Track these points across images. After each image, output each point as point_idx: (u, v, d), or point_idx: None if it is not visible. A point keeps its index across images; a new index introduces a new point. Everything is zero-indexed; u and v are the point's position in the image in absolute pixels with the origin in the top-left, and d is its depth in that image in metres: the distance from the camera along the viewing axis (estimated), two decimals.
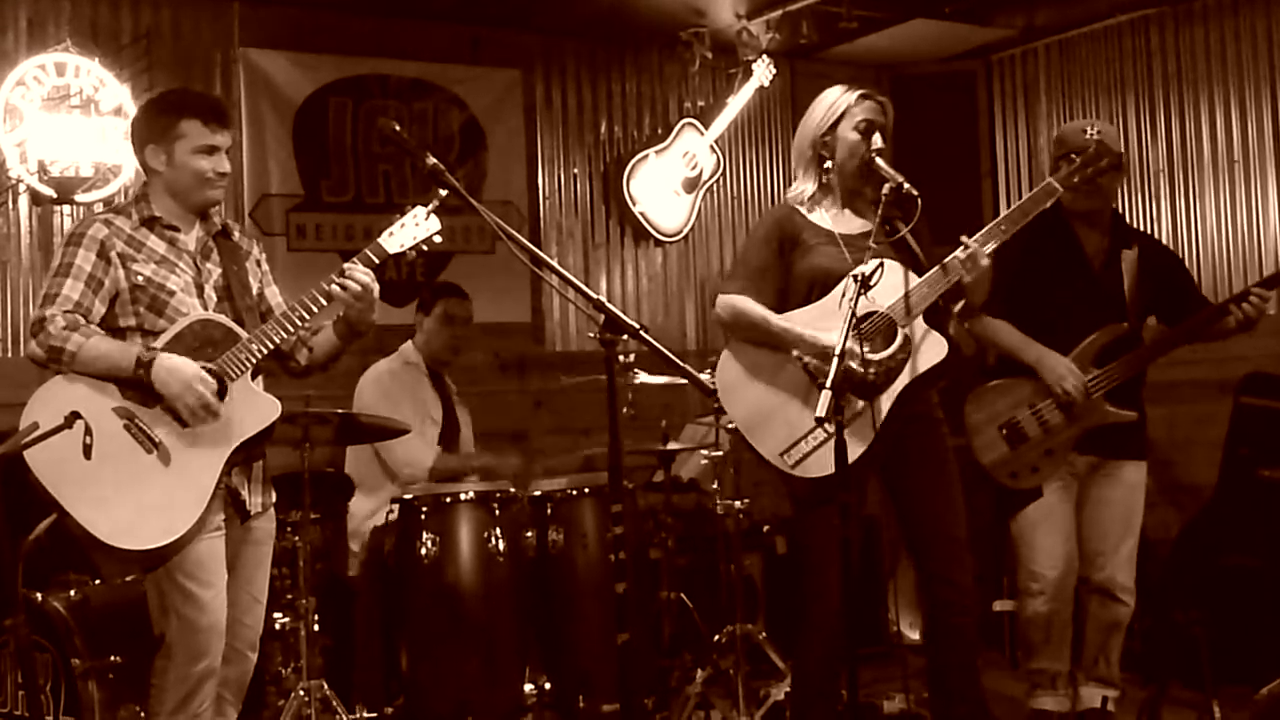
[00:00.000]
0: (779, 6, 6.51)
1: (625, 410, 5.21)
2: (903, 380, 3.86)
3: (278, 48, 6.19)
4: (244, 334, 3.68)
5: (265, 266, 4.00)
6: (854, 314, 3.53)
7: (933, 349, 3.91)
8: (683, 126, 7.08)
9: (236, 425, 3.62)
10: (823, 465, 3.83)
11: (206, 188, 3.74)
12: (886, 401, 3.84)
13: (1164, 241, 6.55)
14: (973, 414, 4.65)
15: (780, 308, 3.98)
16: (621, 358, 5.15)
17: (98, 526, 3.44)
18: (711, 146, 7.11)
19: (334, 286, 3.67)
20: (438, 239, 3.80)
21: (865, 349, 3.78)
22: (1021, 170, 7.40)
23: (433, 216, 3.76)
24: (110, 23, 5.81)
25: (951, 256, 3.88)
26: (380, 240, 3.76)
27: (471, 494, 4.95)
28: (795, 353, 3.89)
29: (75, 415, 3.29)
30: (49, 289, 3.60)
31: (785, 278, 4.00)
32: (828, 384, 3.40)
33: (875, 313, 3.86)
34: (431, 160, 3.24)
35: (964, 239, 3.90)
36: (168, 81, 5.88)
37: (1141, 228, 6.75)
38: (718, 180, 7.19)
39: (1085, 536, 4.73)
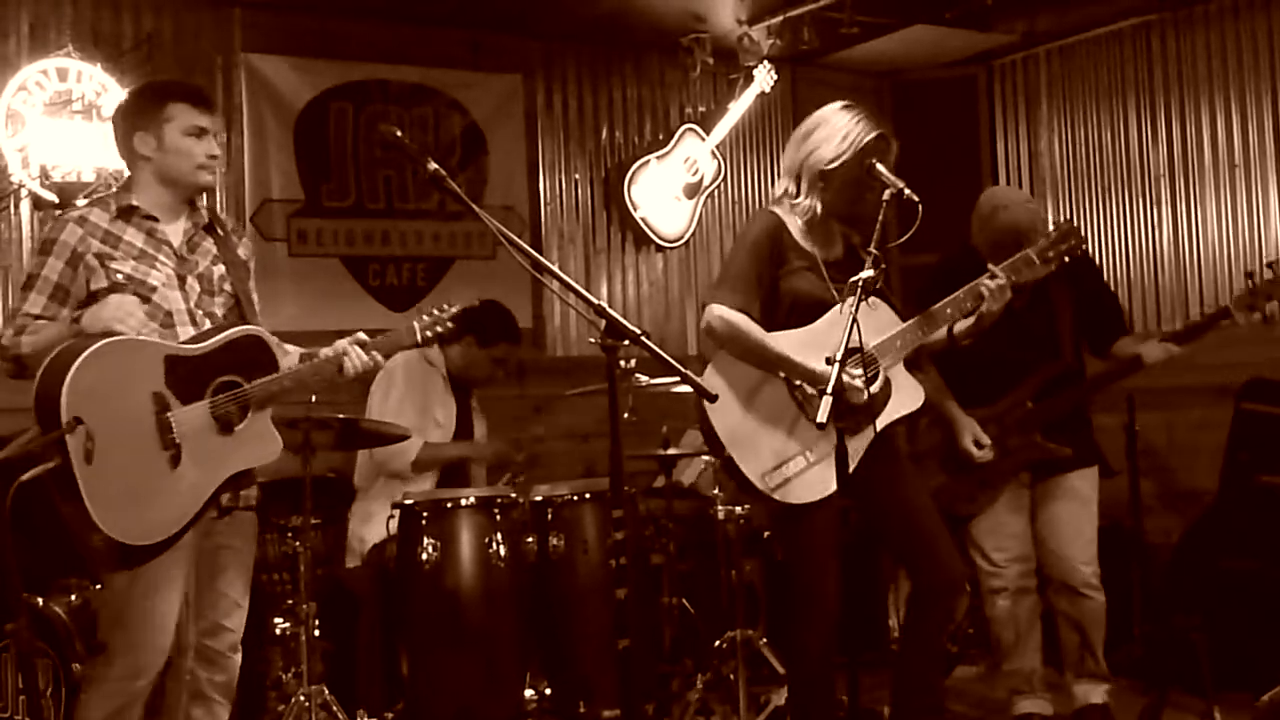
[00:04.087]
0: (780, 12, 6.52)
1: (626, 415, 5.20)
2: (881, 421, 3.88)
3: (279, 53, 6.20)
4: (284, 364, 3.66)
5: (252, 270, 3.92)
6: (855, 320, 3.52)
7: (911, 394, 3.97)
8: (684, 132, 7.09)
9: (239, 455, 3.59)
10: (803, 492, 3.87)
11: (200, 171, 3.69)
12: (863, 440, 3.86)
13: (1164, 246, 6.60)
14: (918, 444, 4.81)
15: (763, 321, 3.96)
16: (623, 363, 5.14)
17: (92, 499, 3.34)
18: (712, 152, 7.12)
19: (348, 364, 3.71)
20: (444, 329, 3.92)
21: (857, 380, 3.77)
22: (1023, 175, 7.40)
23: (456, 314, 3.93)
24: (112, 28, 5.82)
25: (977, 282, 3.98)
26: (414, 328, 3.86)
27: (472, 499, 4.95)
28: (784, 376, 3.90)
29: (77, 420, 3.26)
30: (15, 304, 3.59)
31: (770, 291, 3.98)
32: (828, 390, 3.40)
33: (859, 350, 3.73)
34: (433, 166, 3.23)
35: (992, 268, 4.01)
36: None
37: (1142, 232, 6.78)
38: (719, 186, 7.19)
39: (1040, 539, 4.88)
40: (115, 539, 3.43)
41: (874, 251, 3.68)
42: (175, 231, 3.72)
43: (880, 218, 3.76)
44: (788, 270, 3.97)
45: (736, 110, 7.04)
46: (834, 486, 3.78)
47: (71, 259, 3.56)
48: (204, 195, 3.84)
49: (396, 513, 4.97)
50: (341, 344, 3.73)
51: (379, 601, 5.08)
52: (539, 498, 5.15)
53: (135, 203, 3.66)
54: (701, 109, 7.20)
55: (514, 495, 5.06)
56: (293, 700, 4.57)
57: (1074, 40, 7.11)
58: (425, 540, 4.83)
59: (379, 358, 3.76)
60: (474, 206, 3.29)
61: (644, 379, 5.22)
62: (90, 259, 3.57)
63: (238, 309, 3.77)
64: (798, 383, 3.89)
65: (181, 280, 3.67)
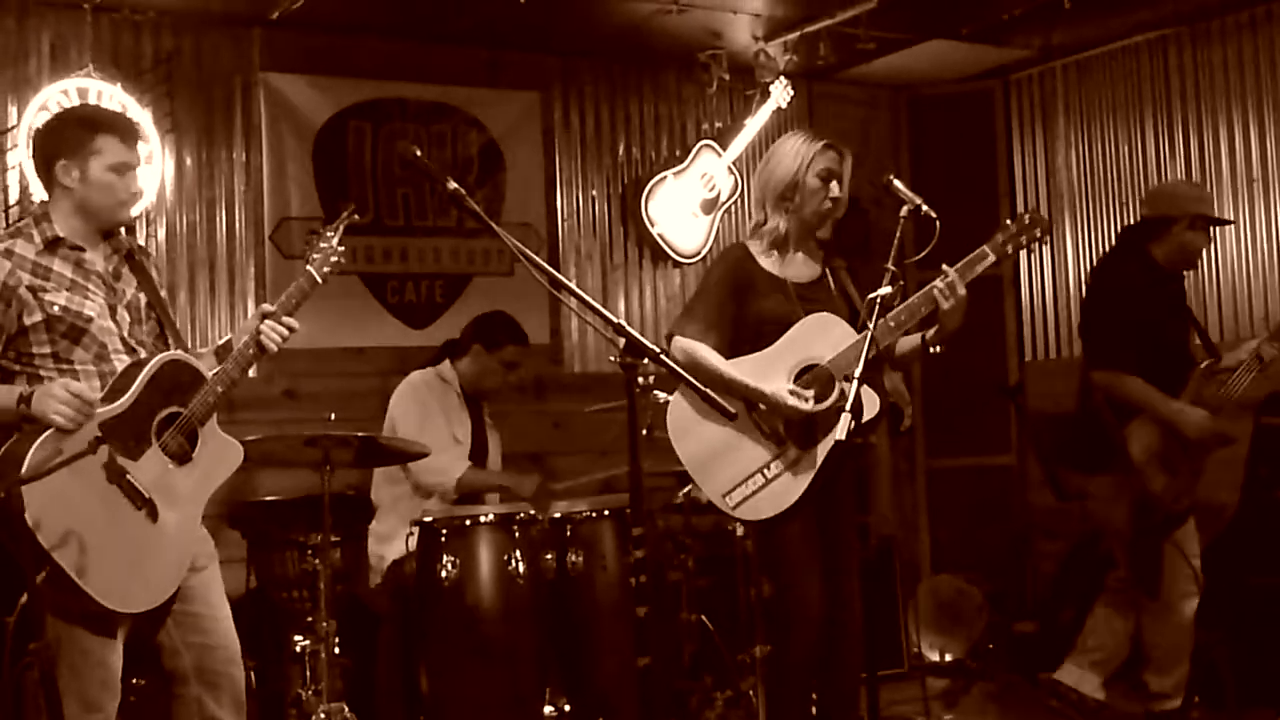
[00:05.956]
0: (796, 28, 6.53)
1: (644, 432, 5.20)
2: (840, 431, 3.88)
3: (297, 71, 6.23)
4: (208, 375, 3.59)
5: (164, 294, 3.85)
6: (873, 339, 3.55)
7: (866, 402, 3.99)
8: (701, 148, 7.10)
9: (208, 478, 3.60)
10: (762, 508, 4.02)
11: (121, 208, 3.63)
12: (823, 450, 3.97)
13: None
14: (1134, 446, 4.90)
15: (728, 350, 4.10)
16: (641, 380, 5.15)
17: (106, 596, 3.36)
18: (729, 168, 7.13)
19: (268, 342, 3.64)
20: (339, 257, 3.82)
21: (807, 401, 3.94)
22: (1040, 190, 7.39)
23: (338, 233, 3.79)
24: (132, 47, 5.86)
25: (932, 285, 3.97)
26: (311, 273, 3.75)
27: (491, 516, 4.95)
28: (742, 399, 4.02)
29: (99, 440, 3.28)
30: None
31: (736, 321, 4.13)
32: (847, 406, 3.55)
33: (815, 365, 3.99)
34: (452, 184, 3.24)
35: (945, 267, 4.00)
36: (189, 105, 5.94)
37: None
38: (735, 201, 7.20)
39: None
40: (138, 611, 3.47)
41: (892, 268, 3.74)
42: (98, 260, 3.64)
43: (899, 233, 3.82)
44: (755, 295, 4.13)
45: (753, 126, 7.04)
46: (791, 500, 3.96)
47: (3, 293, 3.47)
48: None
49: (415, 530, 4.98)
50: (251, 324, 3.67)
51: (398, 618, 5.09)
52: (558, 514, 5.15)
53: (60, 234, 3.57)
54: (718, 125, 7.20)
55: (533, 512, 5.06)
56: (313, 718, 4.57)
57: (1090, 54, 7.10)
58: (444, 557, 4.84)
59: (293, 323, 3.69)
60: (492, 224, 3.30)
61: (662, 396, 5.22)
62: (22, 292, 3.48)
63: (163, 336, 3.73)
64: (756, 410, 4.02)
65: (113, 310, 3.61)
